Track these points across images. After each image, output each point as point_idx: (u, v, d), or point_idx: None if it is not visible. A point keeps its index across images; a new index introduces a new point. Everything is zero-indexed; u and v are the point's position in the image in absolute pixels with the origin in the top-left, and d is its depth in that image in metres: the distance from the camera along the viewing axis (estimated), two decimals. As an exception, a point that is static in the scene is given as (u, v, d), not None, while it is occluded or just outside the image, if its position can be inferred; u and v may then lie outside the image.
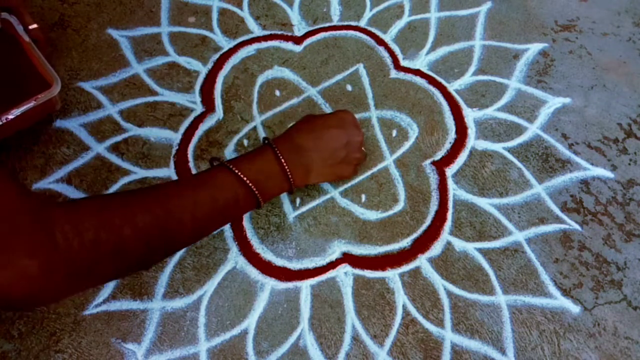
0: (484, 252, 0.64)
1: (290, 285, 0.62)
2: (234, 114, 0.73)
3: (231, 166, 0.51)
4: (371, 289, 0.62)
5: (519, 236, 0.65)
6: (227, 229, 0.65)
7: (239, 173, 0.51)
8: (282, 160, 0.55)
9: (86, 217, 0.39)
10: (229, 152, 0.70)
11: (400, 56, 0.79)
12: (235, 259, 0.63)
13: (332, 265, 0.63)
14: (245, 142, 0.71)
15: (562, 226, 0.66)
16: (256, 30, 0.81)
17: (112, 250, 0.40)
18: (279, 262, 0.63)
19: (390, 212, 0.67)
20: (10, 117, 0.60)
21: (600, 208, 0.68)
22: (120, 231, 0.40)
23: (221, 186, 0.50)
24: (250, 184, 0.51)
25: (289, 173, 0.55)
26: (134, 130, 0.71)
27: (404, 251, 0.64)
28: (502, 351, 0.59)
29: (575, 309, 0.61)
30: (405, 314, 0.60)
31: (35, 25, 0.66)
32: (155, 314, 0.59)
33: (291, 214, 0.66)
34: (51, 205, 0.38)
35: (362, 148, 0.63)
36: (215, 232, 0.63)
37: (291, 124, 0.60)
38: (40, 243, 0.35)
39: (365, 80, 0.77)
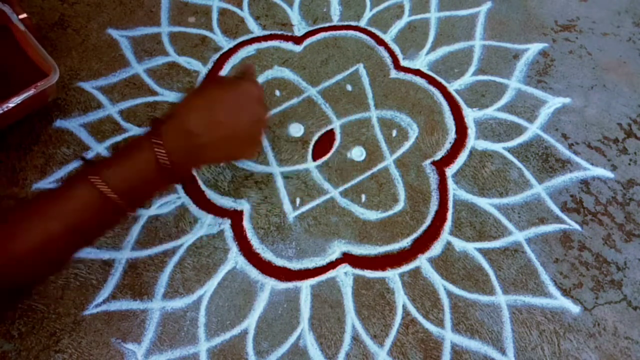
0: (484, 252, 0.64)
1: (290, 285, 0.62)
2: (234, 114, 0.73)
3: (94, 178, 0.41)
4: (371, 289, 0.62)
5: (519, 236, 0.65)
6: (227, 229, 0.65)
7: (104, 186, 0.41)
8: (167, 159, 0.44)
9: None
10: (229, 152, 0.70)
11: (400, 56, 0.79)
12: (235, 259, 0.63)
13: (332, 265, 0.63)
14: (245, 142, 0.71)
15: (562, 226, 0.66)
16: (256, 30, 0.81)
17: None
18: (279, 262, 0.63)
19: (390, 212, 0.67)
20: (11, 105, 0.60)
21: (600, 208, 0.68)
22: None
23: (81, 207, 0.41)
24: (117, 199, 0.41)
25: (170, 169, 0.45)
26: (134, 130, 0.71)
27: (404, 251, 0.64)
28: (502, 351, 0.59)
29: (575, 309, 0.61)
30: (405, 314, 0.60)
31: (24, 15, 0.66)
32: (155, 314, 0.59)
33: (291, 214, 0.66)
34: None
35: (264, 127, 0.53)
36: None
37: (183, 97, 0.48)
38: None
39: (365, 80, 0.77)
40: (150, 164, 0.44)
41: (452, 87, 0.77)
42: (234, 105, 0.48)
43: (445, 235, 0.65)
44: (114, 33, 0.79)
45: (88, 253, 0.62)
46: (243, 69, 0.55)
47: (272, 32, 0.81)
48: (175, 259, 0.62)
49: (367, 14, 0.84)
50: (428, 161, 0.71)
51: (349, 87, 0.76)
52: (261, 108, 0.50)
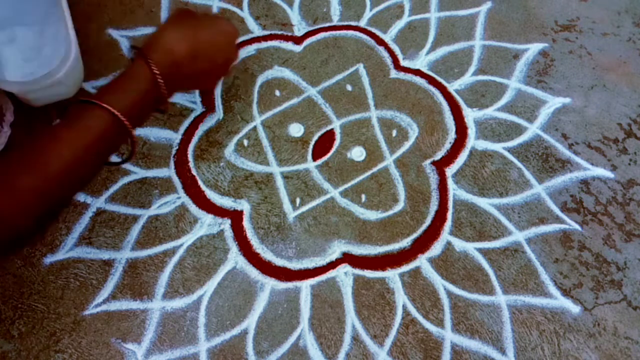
0: (484, 252, 0.64)
1: (290, 285, 0.62)
2: (234, 114, 0.73)
3: (100, 102, 0.46)
4: (371, 289, 0.62)
5: (519, 236, 0.65)
6: (227, 229, 0.65)
7: (108, 106, 0.46)
8: (162, 81, 0.50)
9: None
10: (229, 152, 0.70)
11: (400, 56, 0.79)
12: (235, 259, 0.63)
13: (332, 265, 0.63)
14: (245, 142, 0.71)
15: (562, 226, 0.66)
16: (256, 30, 0.81)
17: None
18: (279, 262, 0.63)
19: (390, 212, 0.67)
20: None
21: (600, 208, 0.68)
22: (7, 213, 0.41)
23: (89, 125, 0.46)
24: (124, 120, 0.47)
25: (166, 95, 0.51)
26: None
27: (404, 251, 0.64)
28: (502, 351, 0.59)
29: (575, 309, 0.61)
30: (405, 314, 0.60)
31: None
32: (155, 314, 0.59)
33: (291, 214, 0.66)
34: None
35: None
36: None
37: (164, 23, 0.54)
38: None
39: (365, 80, 0.77)
40: (149, 84, 0.49)
41: (452, 87, 0.77)
42: (213, 42, 0.54)
43: (445, 235, 0.65)
44: (114, 33, 0.79)
45: (88, 253, 0.62)
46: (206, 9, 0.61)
47: (272, 32, 0.81)
48: (175, 259, 0.62)
49: (367, 14, 0.84)
50: (428, 161, 0.71)
51: (349, 87, 0.76)
52: (234, 49, 0.58)
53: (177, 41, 0.51)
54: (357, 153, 0.71)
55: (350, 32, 0.81)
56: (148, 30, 0.79)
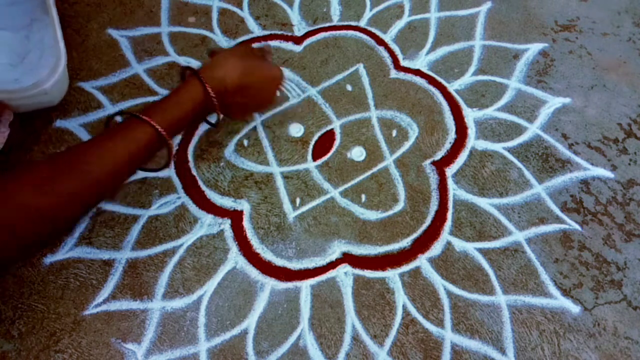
0: (484, 252, 0.64)
1: (290, 285, 0.62)
2: (234, 114, 0.73)
3: (143, 116, 0.51)
4: (371, 289, 0.62)
5: (519, 236, 0.65)
6: (227, 229, 0.65)
7: (152, 122, 0.51)
8: (215, 101, 0.56)
9: (8, 202, 0.42)
10: (229, 152, 0.70)
11: (400, 56, 0.79)
12: (235, 259, 0.63)
13: (332, 265, 0.63)
14: (245, 142, 0.71)
15: (562, 226, 0.66)
16: (256, 30, 0.81)
17: (33, 229, 0.44)
18: (279, 262, 0.63)
19: (390, 212, 0.67)
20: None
21: (600, 208, 0.68)
22: (44, 215, 0.44)
23: (133, 138, 0.51)
24: (165, 134, 0.52)
25: (218, 111, 0.58)
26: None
27: (404, 251, 0.64)
28: (502, 351, 0.59)
29: (575, 309, 0.61)
30: (405, 314, 0.60)
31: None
32: (155, 314, 0.59)
33: (291, 214, 0.66)
34: None
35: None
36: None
37: (224, 51, 0.62)
38: None
39: (365, 80, 0.77)
40: (196, 103, 0.55)
41: (452, 87, 0.77)
42: (260, 82, 0.60)
43: (445, 235, 0.65)
44: (114, 33, 0.79)
45: (88, 253, 0.62)
46: (267, 49, 0.67)
47: (272, 32, 0.81)
48: (175, 259, 0.62)
49: (367, 14, 0.84)
50: (428, 161, 0.71)
51: (349, 87, 0.76)
52: (274, 94, 0.64)
53: (231, 71, 0.57)
54: (357, 153, 0.71)
55: (350, 32, 0.81)
56: (148, 30, 0.79)
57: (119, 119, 0.57)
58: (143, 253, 0.62)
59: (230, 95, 0.58)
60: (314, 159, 0.70)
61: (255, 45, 0.74)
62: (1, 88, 0.60)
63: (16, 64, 0.65)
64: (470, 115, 0.74)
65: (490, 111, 0.75)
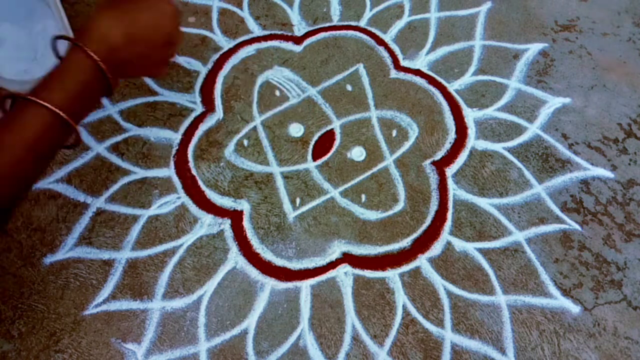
0: (484, 252, 0.64)
1: (290, 285, 0.62)
2: (234, 114, 0.73)
3: (37, 99, 0.44)
4: (371, 289, 0.62)
5: (519, 236, 0.65)
6: (227, 229, 0.65)
7: (47, 104, 0.44)
8: (106, 69, 0.47)
9: None
10: (229, 152, 0.70)
11: (400, 56, 0.79)
12: (235, 259, 0.63)
13: (332, 265, 0.63)
14: (245, 142, 0.71)
15: (562, 226, 0.66)
16: (256, 30, 0.81)
17: None
18: (279, 262, 0.63)
19: (390, 212, 0.67)
20: None
21: (600, 208, 0.68)
22: None
23: (37, 129, 0.44)
24: (64, 115, 0.44)
25: (112, 82, 0.48)
26: (134, 130, 0.71)
27: (404, 251, 0.64)
28: (502, 351, 0.59)
29: (575, 309, 0.61)
30: (405, 314, 0.60)
31: None
32: (155, 314, 0.59)
33: (291, 214, 0.66)
34: None
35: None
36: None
37: (96, 9, 0.50)
38: None
39: (365, 80, 0.77)
40: (89, 74, 0.46)
41: (452, 87, 0.77)
42: (151, 23, 0.50)
43: (445, 235, 0.65)
44: (114, 33, 0.78)
45: (88, 253, 0.62)
46: None
47: (272, 32, 0.81)
48: (175, 259, 0.62)
49: (367, 14, 0.84)
50: (428, 161, 0.71)
51: (349, 87, 0.76)
52: (175, 29, 0.53)
53: (111, 26, 0.48)
54: (357, 153, 0.71)
55: (350, 32, 0.81)
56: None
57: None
58: (143, 253, 0.62)
59: (123, 51, 0.49)
60: (314, 159, 0.70)
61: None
62: (17, 79, 0.59)
63: (22, 55, 0.64)
64: (470, 115, 0.74)
65: (490, 111, 0.75)
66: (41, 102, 0.43)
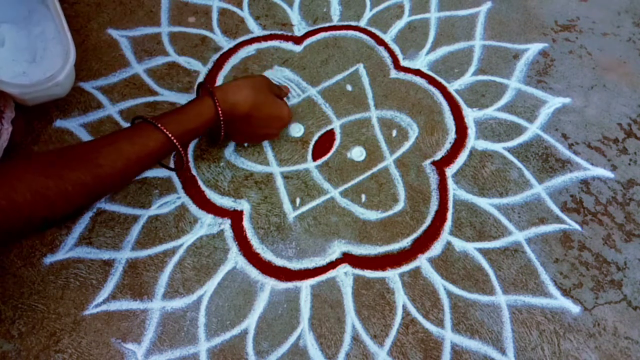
0: (484, 252, 0.64)
1: (290, 285, 0.62)
2: (234, 114, 0.73)
3: (158, 124, 0.54)
4: (371, 289, 0.62)
5: (519, 236, 0.65)
6: (227, 229, 0.65)
7: (165, 130, 0.54)
8: (222, 124, 0.60)
9: (17, 182, 0.44)
10: (229, 152, 0.70)
11: (400, 56, 0.79)
12: (235, 259, 0.63)
13: (332, 265, 0.63)
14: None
15: (562, 226, 0.66)
16: (256, 30, 0.81)
17: (40, 210, 0.46)
18: (279, 262, 0.63)
19: (390, 212, 0.67)
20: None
21: (600, 208, 0.68)
22: (49, 196, 0.46)
23: (146, 142, 0.53)
24: (175, 141, 0.55)
25: (222, 125, 0.60)
26: (134, 130, 0.71)
27: (404, 251, 0.64)
28: (502, 351, 0.59)
29: (575, 309, 0.61)
30: (405, 314, 0.60)
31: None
32: (155, 314, 0.59)
33: (291, 214, 0.66)
34: None
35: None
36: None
37: (242, 78, 0.63)
38: None
39: (365, 80, 0.77)
40: (208, 121, 0.58)
41: (452, 87, 0.77)
42: (267, 118, 0.63)
43: (445, 235, 0.65)
44: (114, 33, 0.79)
45: (88, 253, 0.62)
46: (285, 90, 0.71)
47: (272, 32, 0.81)
48: (175, 259, 0.62)
49: (367, 14, 0.84)
50: (428, 161, 0.71)
51: (349, 87, 0.76)
52: (278, 132, 0.68)
53: (243, 100, 0.60)
54: (357, 153, 0.71)
55: (350, 32, 0.81)
56: (148, 30, 0.79)
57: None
58: (143, 253, 0.62)
59: (237, 122, 0.61)
60: (314, 159, 0.70)
61: (275, 79, 0.75)
62: (17, 82, 0.60)
63: (21, 58, 0.65)
64: (470, 115, 0.74)
65: (490, 111, 0.75)
66: (165, 130, 0.54)
